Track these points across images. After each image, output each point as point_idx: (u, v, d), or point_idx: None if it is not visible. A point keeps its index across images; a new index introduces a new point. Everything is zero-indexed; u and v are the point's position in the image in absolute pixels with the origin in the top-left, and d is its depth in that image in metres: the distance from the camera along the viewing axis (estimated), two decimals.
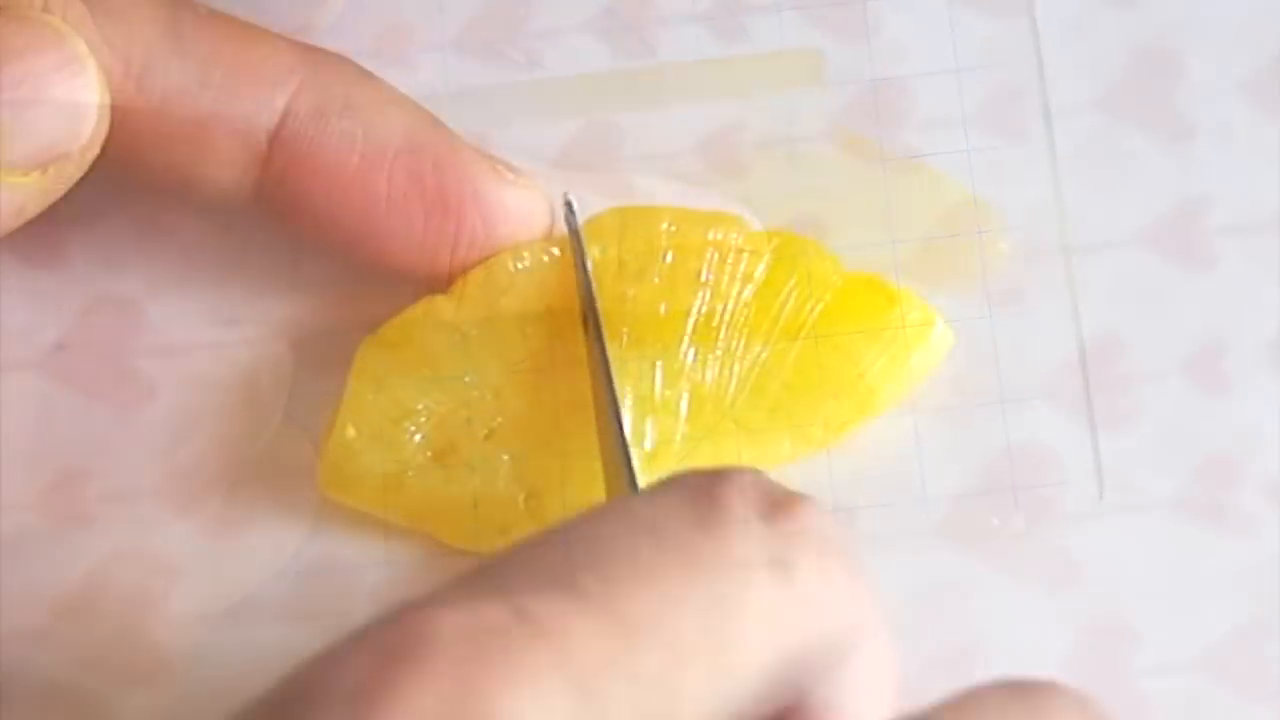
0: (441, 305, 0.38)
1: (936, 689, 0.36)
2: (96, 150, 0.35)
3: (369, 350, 0.37)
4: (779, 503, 0.30)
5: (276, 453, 0.38)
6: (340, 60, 0.38)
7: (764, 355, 0.37)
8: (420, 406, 0.37)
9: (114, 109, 0.36)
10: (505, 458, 0.37)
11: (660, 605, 0.28)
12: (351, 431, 0.37)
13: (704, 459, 0.37)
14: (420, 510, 0.37)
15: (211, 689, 0.37)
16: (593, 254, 0.38)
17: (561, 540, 0.29)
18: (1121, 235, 0.40)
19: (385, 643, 0.27)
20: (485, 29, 0.41)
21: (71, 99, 0.35)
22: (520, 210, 0.38)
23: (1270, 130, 0.40)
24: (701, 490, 0.30)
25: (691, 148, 0.40)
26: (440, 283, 0.38)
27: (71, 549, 0.38)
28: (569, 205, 0.38)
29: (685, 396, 0.37)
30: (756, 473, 0.31)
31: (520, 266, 0.38)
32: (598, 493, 0.37)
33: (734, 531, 0.29)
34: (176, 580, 0.37)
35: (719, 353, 0.37)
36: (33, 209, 0.35)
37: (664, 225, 0.38)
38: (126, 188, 0.40)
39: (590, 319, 0.37)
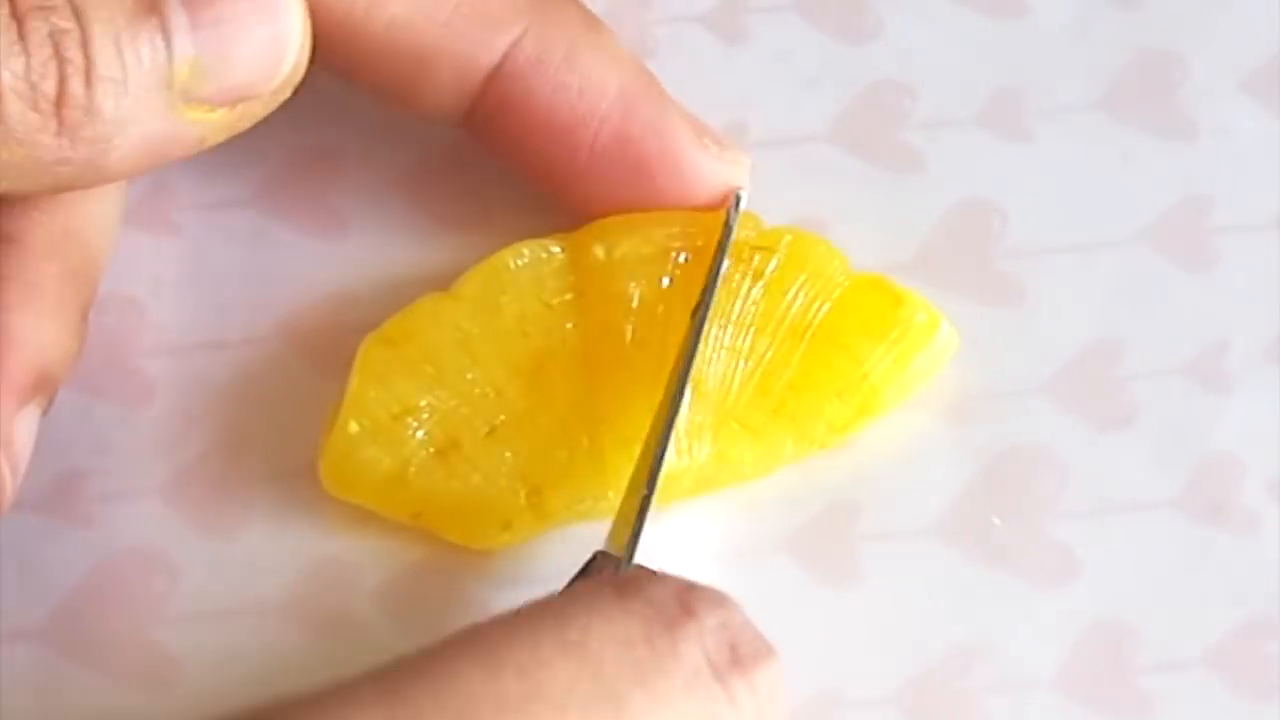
0: (443, 303, 0.38)
1: (937, 689, 0.36)
2: (287, 94, 0.35)
3: (372, 347, 0.37)
4: (739, 660, 0.30)
5: (276, 453, 0.38)
6: (571, 8, 0.38)
7: (769, 355, 0.37)
8: (423, 403, 0.37)
9: (342, 25, 0.36)
10: (507, 454, 0.37)
11: None
12: (354, 427, 0.37)
13: (707, 459, 0.37)
14: (422, 507, 0.37)
15: (211, 689, 0.37)
16: (596, 254, 0.38)
17: (497, 669, 0.29)
18: (1122, 235, 0.40)
19: None
20: None
21: (271, 42, 0.34)
22: (718, 183, 0.38)
23: (1270, 130, 0.40)
24: (663, 629, 0.30)
25: None
26: None
27: (71, 549, 0.37)
28: (736, 199, 0.38)
29: (688, 396, 0.37)
30: (728, 613, 0.31)
31: (520, 264, 0.38)
32: (597, 488, 0.37)
33: (681, 689, 0.29)
34: (176, 580, 0.37)
35: (724, 353, 0.37)
36: (212, 141, 0.35)
37: (675, 228, 0.38)
38: (129, 187, 0.40)
39: (699, 311, 0.37)
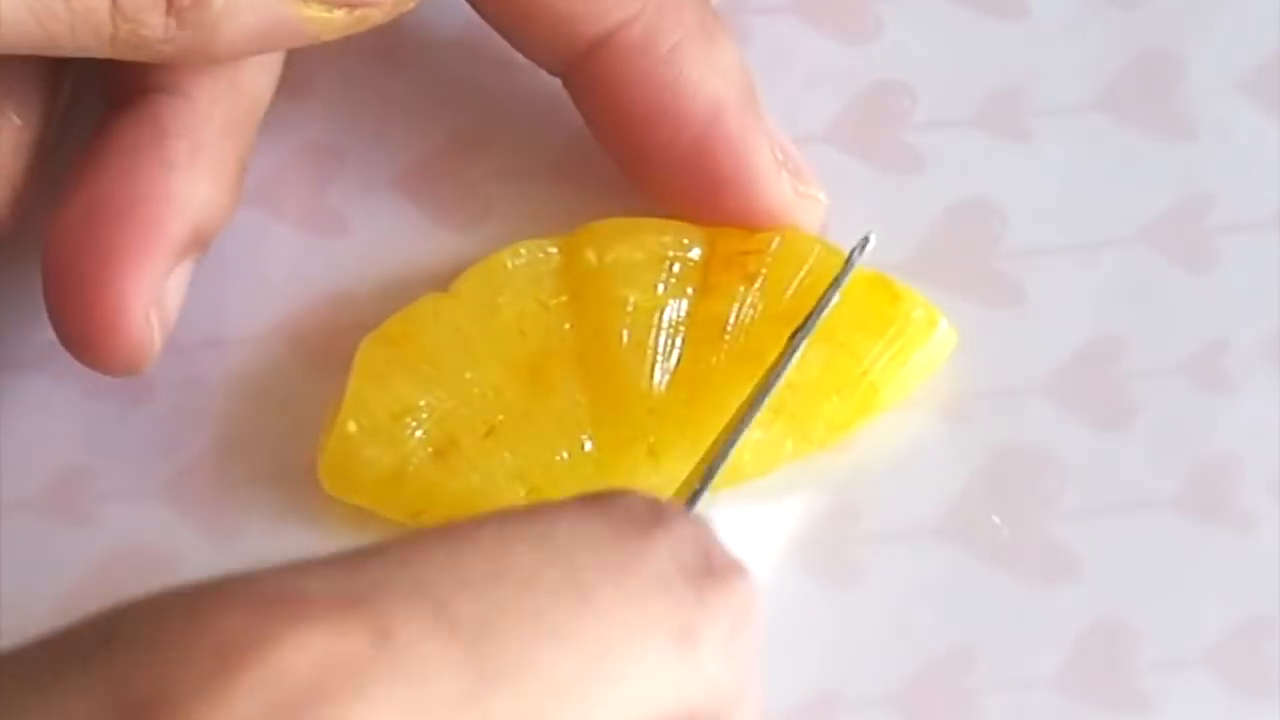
0: (442, 303, 0.38)
1: (937, 689, 0.36)
2: (409, 6, 0.36)
3: (371, 347, 0.37)
4: (712, 570, 0.29)
5: (276, 453, 0.38)
6: (692, 8, 0.38)
7: (768, 355, 0.37)
8: (422, 403, 0.37)
9: None
10: (506, 454, 0.37)
11: (541, 648, 0.27)
12: (353, 427, 0.37)
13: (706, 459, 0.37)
14: (422, 507, 0.37)
15: None
16: (588, 258, 0.38)
17: (459, 549, 0.28)
18: (1122, 235, 0.40)
19: (231, 639, 0.26)
20: (488, 30, 0.41)
21: None
22: (784, 216, 0.38)
23: (1270, 129, 0.40)
24: (635, 532, 0.28)
25: None
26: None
27: (71, 549, 0.37)
28: (864, 241, 0.38)
29: (687, 398, 0.37)
30: (700, 526, 0.30)
31: (517, 264, 0.38)
32: (596, 488, 0.37)
33: (652, 589, 0.28)
34: (176, 580, 0.37)
35: (724, 355, 0.37)
36: (325, 38, 0.35)
37: (668, 236, 0.38)
38: None
39: (798, 336, 0.37)
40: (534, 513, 0.29)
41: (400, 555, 0.27)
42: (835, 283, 0.37)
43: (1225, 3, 0.41)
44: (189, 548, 0.37)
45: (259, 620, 0.26)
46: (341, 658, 0.26)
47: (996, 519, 0.37)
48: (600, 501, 0.29)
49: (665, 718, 0.28)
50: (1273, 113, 0.41)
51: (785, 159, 0.38)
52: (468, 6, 0.39)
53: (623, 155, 0.39)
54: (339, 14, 0.35)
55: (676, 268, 0.38)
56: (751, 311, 0.38)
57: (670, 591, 0.28)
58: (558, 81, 0.39)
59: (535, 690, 0.26)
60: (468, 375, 0.37)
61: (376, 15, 0.35)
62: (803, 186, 0.39)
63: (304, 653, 0.25)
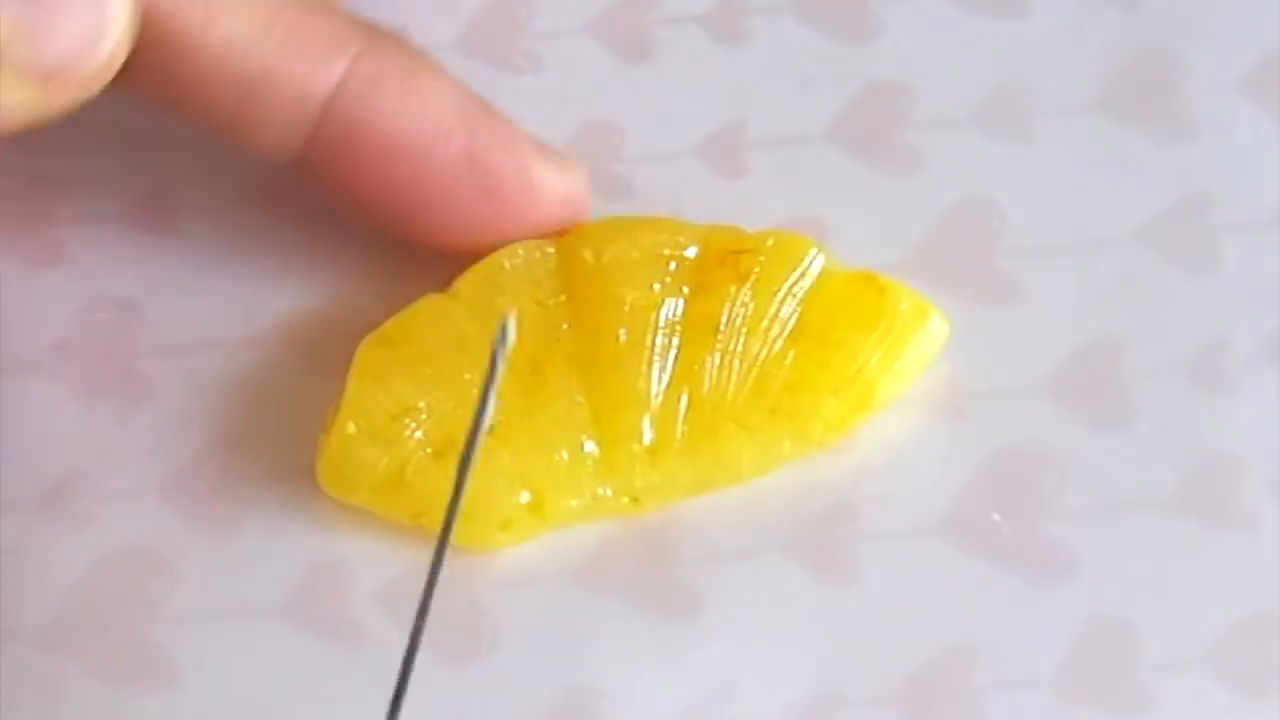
0: (441, 303, 0.38)
1: (937, 688, 0.36)
2: (105, 80, 0.34)
3: (370, 349, 0.37)
4: None
5: (275, 453, 0.38)
6: (397, 36, 0.37)
7: (763, 355, 0.37)
8: (421, 404, 0.37)
9: (176, 49, 0.35)
10: (506, 455, 0.37)
11: None
12: (352, 428, 0.37)
13: (704, 458, 0.37)
14: (421, 508, 0.37)
15: (211, 689, 0.37)
16: (585, 257, 0.38)
17: None
18: (1122, 234, 0.40)
19: None
20: (486, 30, 0.41)
21: (95, 18, 0.33)
22: (564, 195, 0.38)
23: (1270, 129, 0.40)
24: None
25: (691, 148, 0.40)
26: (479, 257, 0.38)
27: (71, 549, 0.37)
28: (504, 329, 0.33)
29: (685, 397, 0.37)
30: None
31: (515, 264, 0.38)
32: (595, 488, 0.37)
33: None
34: (176, 580, 0.37)
35: (718, 354, 0.37)
36: (13, 120, 0.34)
37: (664, 235, 0.38)
38: (127, 187, 0.40)
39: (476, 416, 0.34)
40: None
41: None
42: (492, 368, 0.33)
43: (1225, 3, 0.41)
44: (188, 548, 0.37)
45: None
46: None
47: (996, 517, 0.38)
48: None
49: None
50: (1273, 113, 0.41)
51: (540, 143, 0.38)
52: (468, 8, 0.39)
53: (395, 201, 0.37)
54: (30, 90, 0.33)
55: (673, 266, 0.38)
56: (744, 311, 0.38)
57: None
58: (558, 82, 0.39)
59: None
60: (467, 376, 0.37)
61: (67, 94, 0.34)
62: (568, 162, 0.38)
63: None
